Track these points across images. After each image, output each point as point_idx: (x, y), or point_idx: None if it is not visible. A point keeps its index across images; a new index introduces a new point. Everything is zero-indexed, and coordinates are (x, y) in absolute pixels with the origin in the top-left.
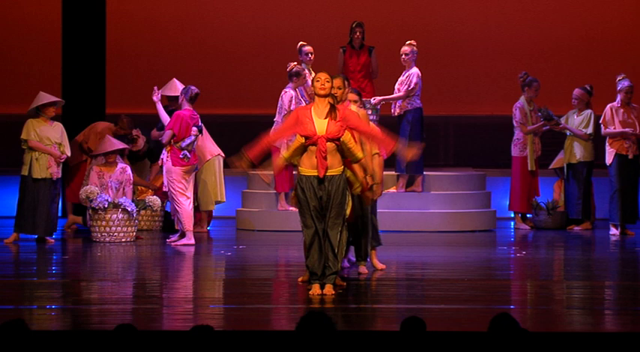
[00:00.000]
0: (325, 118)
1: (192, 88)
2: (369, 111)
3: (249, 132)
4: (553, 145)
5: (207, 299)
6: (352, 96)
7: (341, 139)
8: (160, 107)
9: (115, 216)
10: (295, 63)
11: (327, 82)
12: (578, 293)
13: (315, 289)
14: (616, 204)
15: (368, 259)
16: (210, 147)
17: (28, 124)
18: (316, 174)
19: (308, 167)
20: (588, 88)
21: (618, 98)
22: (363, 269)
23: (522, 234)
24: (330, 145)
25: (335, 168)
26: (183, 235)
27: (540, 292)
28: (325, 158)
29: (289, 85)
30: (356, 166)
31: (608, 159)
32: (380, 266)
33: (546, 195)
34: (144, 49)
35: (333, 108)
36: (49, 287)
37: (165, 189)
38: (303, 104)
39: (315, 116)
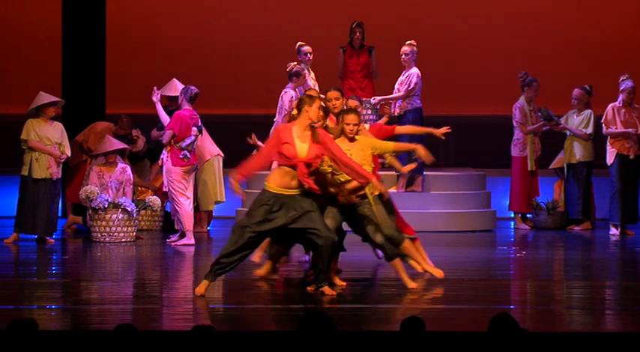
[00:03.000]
0: (305, 142)
1: (192, 87)
2: (369, 111)
3: (249, 132)
4: (553, 145)
5: (207, 299)
6: (352, 102)
7: (320, 169)
8: (159, 107)
9: (115, 216)
10: (295, 63)
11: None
12: (578, 293)
13: (201, 288)
14: (617, 204)
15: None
16: (209, 147)
17: (28, 124)
18: (285, 193)
19: (279, 185)
20: (588, 88)
21: (620, 98)
22: None
23: (522, 234)
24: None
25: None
26: (183, 235)
27: (540, 292)
28: (309, 177)
29: (289, 85)
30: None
31: (610, 159)
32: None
33: (546, 195)
34: (143, 49)
35: (314, 132)
36: (49, 287)
37: (165, 189)
38: None
39: (296, 138)
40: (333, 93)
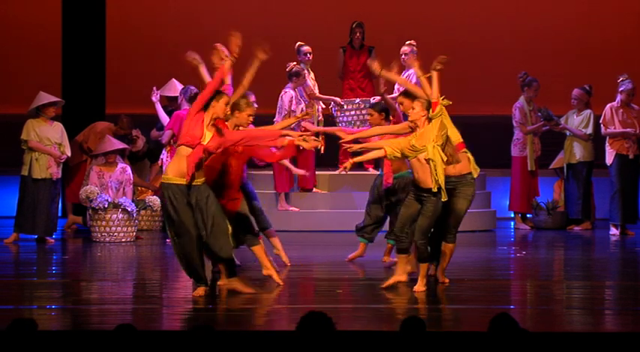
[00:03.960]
0: (210, 131)
1: (192, 88)
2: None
3: None
4: (553, 145)
5: (207, 299)
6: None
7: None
8: (158, 107)
9: (115, 216)
10: (295, 63)
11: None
12: (578, 293)
13: (199, 291)
14: (617, 204)
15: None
16: None
17: (28, 124)
18: (183, 182)
19: (176, 174)
20: (587, 88)
21: (618, 98)
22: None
23: (522, 234)
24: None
25: (199, 178)
26: None
27: (540, 292)
28: (198, 166)
29: (289, 85)
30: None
31: (609, 159)
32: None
33: (546, 195)
34: (143, 49)
35: (217, 127)
36: (49, 287)
37: None
38: (303, 104)
39: (205, 125)
40: (399, 99)
